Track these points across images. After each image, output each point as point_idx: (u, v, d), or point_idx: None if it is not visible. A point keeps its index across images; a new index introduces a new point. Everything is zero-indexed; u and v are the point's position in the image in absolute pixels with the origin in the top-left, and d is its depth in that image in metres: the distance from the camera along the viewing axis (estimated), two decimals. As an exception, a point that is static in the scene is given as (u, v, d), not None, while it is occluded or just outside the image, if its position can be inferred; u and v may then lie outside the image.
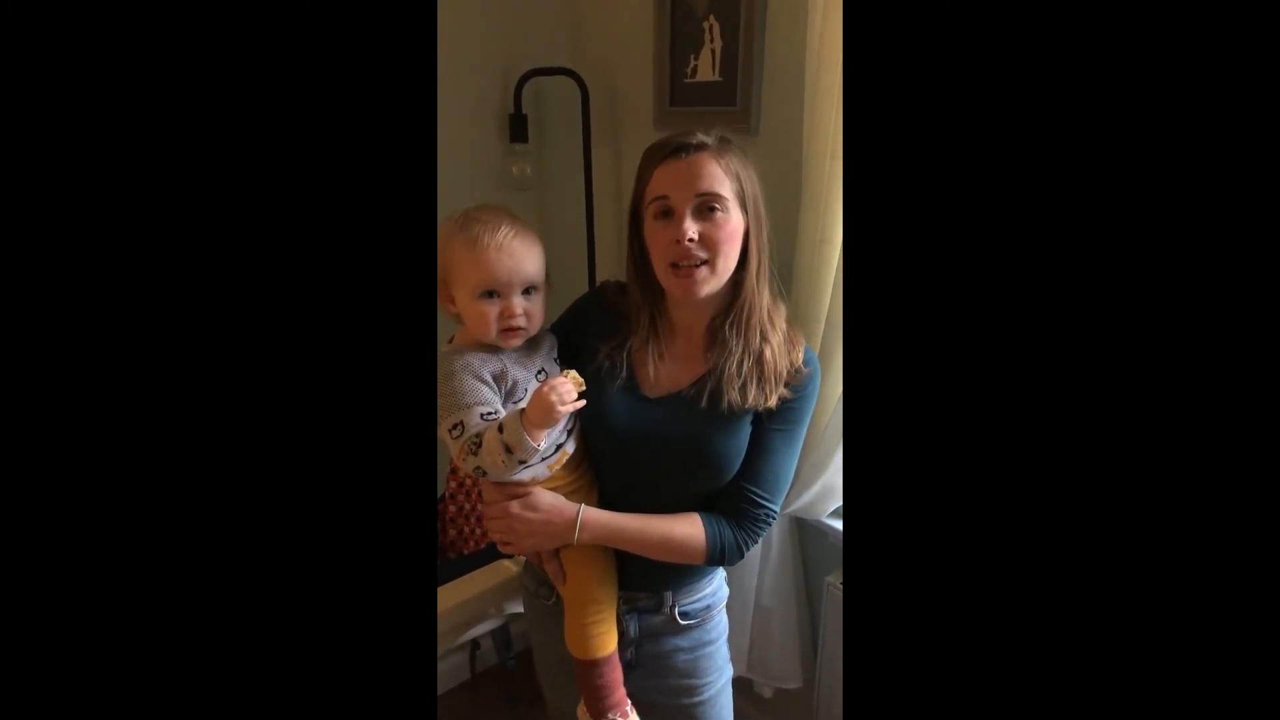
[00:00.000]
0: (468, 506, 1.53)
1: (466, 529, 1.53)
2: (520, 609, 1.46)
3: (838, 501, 1.38)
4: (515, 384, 0.89)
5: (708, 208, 0.85)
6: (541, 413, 0.79)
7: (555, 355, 0.96)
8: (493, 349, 0.89)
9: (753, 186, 0.88)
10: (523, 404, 0.87)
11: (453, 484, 1.54)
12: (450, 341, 0.92)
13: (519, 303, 0.87)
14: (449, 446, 0.85)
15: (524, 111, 1.65)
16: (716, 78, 1.46)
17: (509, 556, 1.45)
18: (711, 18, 1.44)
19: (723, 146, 0.87)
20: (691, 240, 0.84)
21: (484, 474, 0.85)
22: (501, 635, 1.56)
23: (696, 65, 1.50)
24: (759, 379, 0.90)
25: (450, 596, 1.35)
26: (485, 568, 1.43)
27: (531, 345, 0.93)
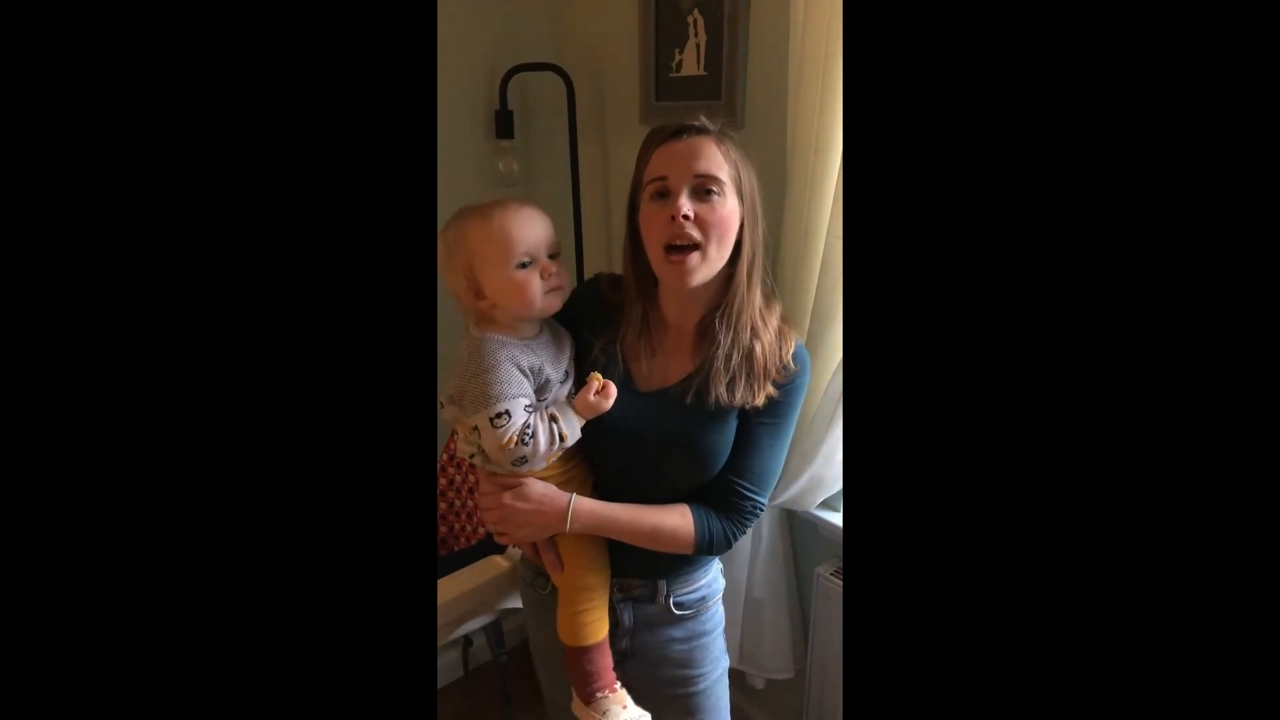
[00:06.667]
0: (458, 503, 1.53)
1: (458, 525, 1.53)
2: (513, 604, 1.47)
3: (827, 492, 1.39)
4: (548, 382, 0.91)
5: (704, 190, 0.85)
6: (593, 410, 0.89)
7: (574, 354, 0.97)
8: (528, 342, 0.91)
9: (750, 180, 0.88)
10: (548, 402, 0.91)
11: (443, 481, 1.54)
12: (476, 327, 0.92)
13: (553, 263, 0.90)
14: (485, 434, 0.87)
15: (510, 107, 1.65)
16: (701, 72, 1.47)
17: (501, 551, 1.46)
18: (695, 12, 1.45)
19: (723, 135, 0.88)
20: (686, 217, 0.83)
21: (524, 463, 0.88)
22: (494, 631, 1.56)
23: (681, 60, 1.50)
24: (748, 375, 0.90)
25: (442, 593, 1.35)
26: (477, 563, 1.43)
27: (558, 346, 0.95)
